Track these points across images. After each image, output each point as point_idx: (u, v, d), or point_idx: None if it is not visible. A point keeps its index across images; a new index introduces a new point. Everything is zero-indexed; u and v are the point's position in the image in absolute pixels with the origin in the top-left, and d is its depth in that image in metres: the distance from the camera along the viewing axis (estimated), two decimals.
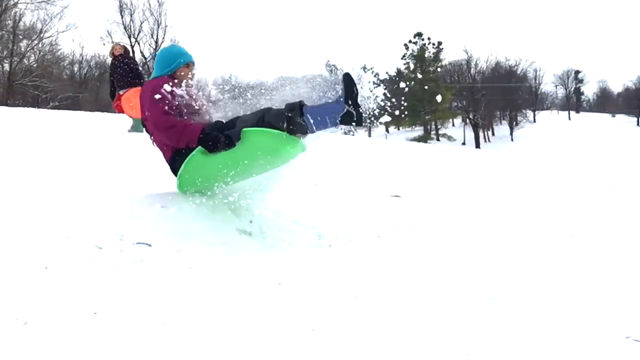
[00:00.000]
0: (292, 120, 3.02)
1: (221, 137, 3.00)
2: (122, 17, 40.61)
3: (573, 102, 79.69)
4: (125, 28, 40.49)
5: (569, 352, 2.12)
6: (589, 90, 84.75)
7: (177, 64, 3.40)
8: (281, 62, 3.45)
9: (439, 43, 55.78)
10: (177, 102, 3.21)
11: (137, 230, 2.98)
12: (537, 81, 68.30)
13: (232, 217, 3.44)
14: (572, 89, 79.63)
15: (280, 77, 3.48)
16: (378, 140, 20.09)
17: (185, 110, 3.25)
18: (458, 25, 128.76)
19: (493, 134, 58.10)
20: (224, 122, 3.28)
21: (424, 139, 49.44)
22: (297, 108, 3.06)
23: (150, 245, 2.85)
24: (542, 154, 27.17)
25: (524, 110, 59.51)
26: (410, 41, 56.81)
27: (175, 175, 3.29)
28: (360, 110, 3.14)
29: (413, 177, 7.55)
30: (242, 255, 3.01)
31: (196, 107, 3.34)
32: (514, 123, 57.14)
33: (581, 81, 79.32)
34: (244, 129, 3.01)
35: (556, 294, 2.90)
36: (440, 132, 56.81)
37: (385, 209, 4.85)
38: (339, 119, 3.13)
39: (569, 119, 71.30)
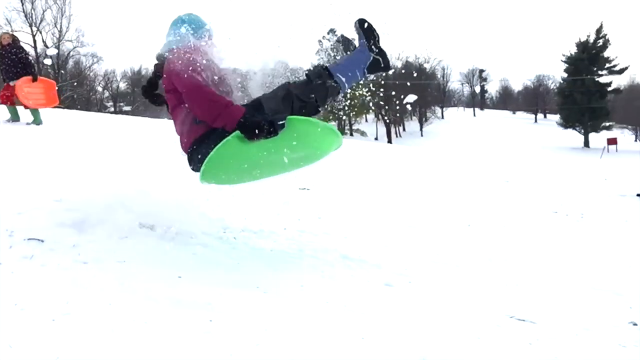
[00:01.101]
0: (324, 86, 2.84)
1: (264, 123, 2.51)
2: (22, 4, 38.25)
3: (478, 99, 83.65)
4: (26, 16, 38.16)
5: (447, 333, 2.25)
6: (492, 89, 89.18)
7: (201, 32, 2.91)
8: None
9: (353, 39, 56.53)
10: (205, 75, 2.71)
11: (28, 226, 2.84)
12: (445, 79, 71.17)
13: (134, 209, 3.35)
14: (477, 87, 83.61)
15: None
16: None
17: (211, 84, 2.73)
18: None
19: (404, 129, 59.89)
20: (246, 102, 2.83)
21: None
22: (323, 72, 2.87)
23: (42, 241, 2.72)
24: (449, 149, 28.39)
25: (433, 107, 61.84)
26: (324, 37, 57.30)
27: (194, 162, 2.81)
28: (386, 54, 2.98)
29: (324, 170, 7.65)
30: (143, 249, 2.94)
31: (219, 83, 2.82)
32: (424, 119, 59.21)
33: (485, 80, 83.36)
34: (290, 117, 2.57)
35: (447, 277, 3.06)
36: (354, 127, 57.80)
37: (293, 202, 4.90)
38: (366, 68, 2.99)
39: (474, 115, 74.82)
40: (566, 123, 50.39)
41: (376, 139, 52.32)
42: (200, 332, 1.99)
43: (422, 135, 56.38)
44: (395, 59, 60.16)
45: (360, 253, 3.36)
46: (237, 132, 2.53)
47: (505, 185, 7.47)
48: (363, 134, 54.92)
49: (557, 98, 55.34)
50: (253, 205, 4.53)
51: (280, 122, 2.53)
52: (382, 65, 3.03)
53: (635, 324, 2.57)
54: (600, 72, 50.18)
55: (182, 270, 2.68)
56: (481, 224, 4.54)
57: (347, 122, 57.48)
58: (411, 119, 61.89)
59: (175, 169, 3.41)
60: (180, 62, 2.65)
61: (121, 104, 54.21)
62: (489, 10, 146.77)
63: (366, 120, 61.44)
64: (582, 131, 49.50)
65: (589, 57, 49.19)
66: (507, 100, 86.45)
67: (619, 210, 5.84)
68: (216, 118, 2.57)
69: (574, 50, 50.81)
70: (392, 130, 56.04)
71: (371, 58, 2.99)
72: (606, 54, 50.07)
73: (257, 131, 2.50)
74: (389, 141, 49.07)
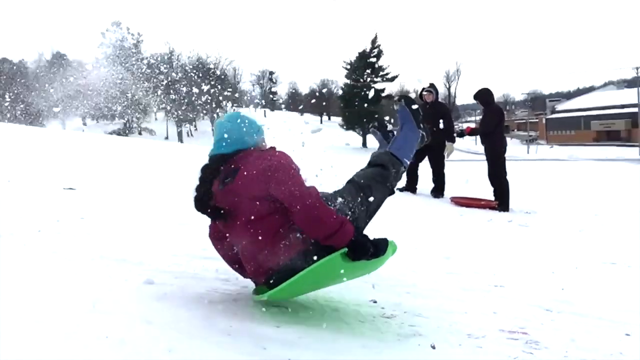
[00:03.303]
0: (397, 172, 2.86)
1: (370, 244, 2.26)
2: None
3: (269, 100, 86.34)
4: None
5: None
6: (282, 90, 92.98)
7: (261, 132, 2.60)
8: None
9: (139, 34, 54.35)
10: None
11: None
12: (237, 79, 72.13)
13: None
14: (268, 88, 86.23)
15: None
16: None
17: None
18: (160, 17, 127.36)
19: (196, 128, 59.26)
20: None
21: (124, 132, 47.69)
22: (393, 159, 2.87)
23: None
24: None
25: (225, 106, 62.20)
26: (107, 30, 54.09)
27: (267, 277, 2.36)
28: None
29: (99, 170, 7.19)
30: None
31: None
32: (216, 118, 59.28)
33: (275, 82, 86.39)
34: (391, 240, 2.39)
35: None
36: (142, 125, 55.52)
37: (55, 202, 4.52)
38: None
39: (265, 115, 77.06)
40: (347, 125, 54.57)
41: (166, 138, 50.91)
42: None
43: (213, 135, 56.34)
44: (186, 57, 59.33)
45: (121, 252, 3.21)
46: (343, 250, 2.23)
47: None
48: (152, 132, 53.04)
49: (340, 102, 59.67)
50: (10, 206, 4.10)
51: (385, 246, 2.33)
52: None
53: None
54: (375, 79, 55.27)
55: None
56: None
57: (134, 120, 55.01)
58: (203, 118, 61.47)
59: None
60: (284, 167, 2.29)
61: None
62: (278, 14, 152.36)
63: (156, 119, 59.44)
64: (361, 132, 54.09)
65: (365, 65, 53.89)
66: (296, 102, 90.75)
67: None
68: (331, 236, 2.22)
69: (353, 58, 55.22)
70: (184, 129, 55.02)
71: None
72: (380, 62, 55.36)
73: (365, 253, 2.25)
74: (180, 140, 48.09)
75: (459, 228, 5.43)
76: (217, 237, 2.62)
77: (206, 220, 2.58)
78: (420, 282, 3.22)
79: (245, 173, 2.30)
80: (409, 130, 3.00)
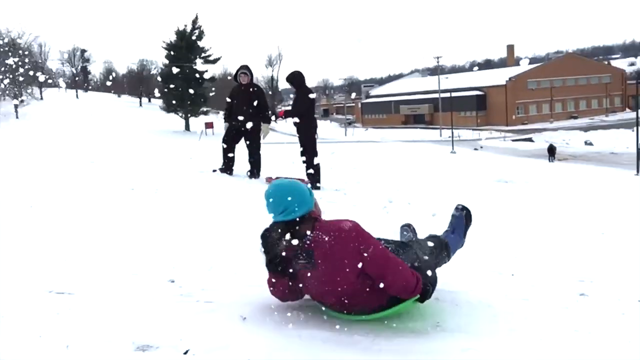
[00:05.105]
0: (442, 259, 3.02)
1: (431, 289, 2.61)
2: None
3: (81, 80, 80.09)
4: None
5: None
6: (96, 70, 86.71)
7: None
8: None
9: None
10: None
11: None
12: (43, 57, 65.68)
13: None
14: (79, 67, 79.87)
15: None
16: None
17: None
18: None
19: None
20: None
21: None
22: (446, 247, 3.06)
23: None
24: (48, 131, 26.39)
25: (29, 87, 56.25)
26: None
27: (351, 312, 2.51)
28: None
29: None
30: None
31: None
32: (20, 99, 53.39)
33: (87, 60, 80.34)
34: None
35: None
36: None
37: None
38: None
39: (77, 97, 71.42)
40: (168, 108, 52.67)
41: None
42: None
43: (17, 117, 50.83)
44: None
45: None
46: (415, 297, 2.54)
47: (91, 165, 7.34)
48: None
49: (160, 83, 57.32)
50: None
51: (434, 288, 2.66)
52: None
53: None
54: (197, 61, 53.96)
55: None
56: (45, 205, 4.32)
57: None
58: (4, 99, 55.04)
59: None
60: (363, 234, 2.41)
61: None
62: None
63: None
64: (183, 116, 52.65)
65: (186, 45, 52.32)
66: (113, 83, 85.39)
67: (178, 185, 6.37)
68: (413, 291, 2.50)
69: (173, 38, 53.23)
70: None
71: (463, 241, 3.24)
72: (201, 44, 54.15)
73: (427, 297, 2.59)
74: None
75: None
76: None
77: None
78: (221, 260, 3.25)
79: (326, 258, 2.37)
80: (459, 236, 3.22)
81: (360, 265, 2.35)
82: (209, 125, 45.37)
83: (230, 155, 7.99)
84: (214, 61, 55.48)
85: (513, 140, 54.40)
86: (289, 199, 2.41)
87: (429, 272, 2.61)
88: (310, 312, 2.52)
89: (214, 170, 7.96)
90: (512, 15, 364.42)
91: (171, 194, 5.52)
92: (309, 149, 7.54)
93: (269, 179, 7.44)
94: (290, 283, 2.48)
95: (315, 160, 7.46)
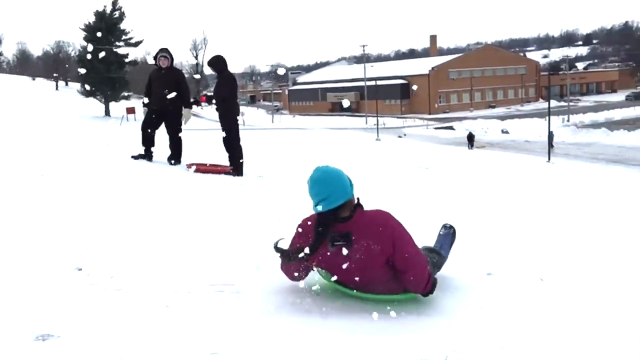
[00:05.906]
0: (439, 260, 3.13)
1: (435, 283, 2.72)
2: None
3: None
4: None
5: None
6: (9, 52, 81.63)
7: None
8: None
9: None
10: None
11: None
12: None
13: None
14: None
15: None
16: None
17: None
18: None
19: None
20: None
21: None
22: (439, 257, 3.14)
23: None
24: None
25: None
26: None
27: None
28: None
29: None
30: None
31: None
32: None
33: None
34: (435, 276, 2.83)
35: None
36: None
37: None
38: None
39: None
40: (87, 92, 50.40)
41: None
42: None
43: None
44: None
45: None
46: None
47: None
48: None
49: (78, 66, 54.64)
50: None
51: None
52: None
53: None
54: (117, 43, 51.85)
55: None
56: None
57: None
58: None
59: None
60: (400, 227, 2.60)
61: None
62: None
63: None
64: (103, 100, 50.56)
65: (106, 27, 50.10)
66: (26, 65, 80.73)
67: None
68: (426, 286, 2.64)
69: (92, 19, 50.84)
70: None
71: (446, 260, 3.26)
72: (122, 26, 52.05)
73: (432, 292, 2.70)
74: None
75: (191, 194, 5.46)
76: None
77: None
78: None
79: (364, 240, 2.50)
80: (445, 252, 3.27)
81: (390, 254, 2.50)
82: (130, 110, 43.84)
83: (150, 141, 7.76)
84: (136, 44, 53.49)
85: (435, 129, 56.04)
86: (333, 186, 2.53)
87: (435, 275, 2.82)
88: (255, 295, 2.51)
89: (133, 157, 7.71)
90: (435, 6, 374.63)
91: (84, 181, 5.30)
92: (232, 134, 7.44)
93: (190, 166, 7.29)
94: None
95: (235, 146, 7.39)
